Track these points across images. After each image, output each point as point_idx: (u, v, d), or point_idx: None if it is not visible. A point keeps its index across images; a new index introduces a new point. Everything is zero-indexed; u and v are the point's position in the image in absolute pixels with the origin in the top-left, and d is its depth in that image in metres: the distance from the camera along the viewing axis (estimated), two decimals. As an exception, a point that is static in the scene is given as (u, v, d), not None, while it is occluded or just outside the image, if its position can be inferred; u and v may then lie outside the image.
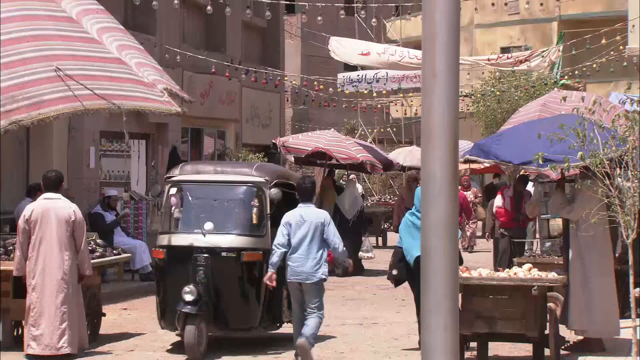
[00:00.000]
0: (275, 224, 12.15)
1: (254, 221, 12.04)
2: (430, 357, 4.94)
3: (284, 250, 11.05)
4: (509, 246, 18.04)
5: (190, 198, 12.29)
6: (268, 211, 12.06)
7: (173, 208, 12.21)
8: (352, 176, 28.99)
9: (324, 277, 11.12)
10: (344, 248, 11.53)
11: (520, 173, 18.64)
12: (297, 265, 11.08)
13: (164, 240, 12.22)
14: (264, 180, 12.21)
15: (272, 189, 12.10)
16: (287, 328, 12.52)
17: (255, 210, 12.03)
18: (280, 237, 11.12)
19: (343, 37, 28.49)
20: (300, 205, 11.42)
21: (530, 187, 19.69)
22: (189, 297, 11.41)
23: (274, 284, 11.17)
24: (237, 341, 12.66)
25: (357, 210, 21.80)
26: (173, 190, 12.26)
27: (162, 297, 12.10)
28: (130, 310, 15.46)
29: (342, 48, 25.86)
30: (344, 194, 22.32)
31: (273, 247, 11.19)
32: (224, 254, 11.81)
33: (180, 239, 12.08)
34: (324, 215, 11.40)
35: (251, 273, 11.92)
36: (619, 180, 9.34)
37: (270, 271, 11.09)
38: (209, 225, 11.89)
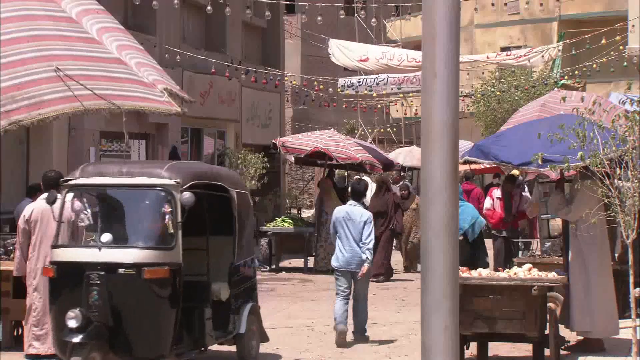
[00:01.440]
0: (201, 232, 11.08)
1: (161, 232, 10.09)
2: (430, 357, 4.93)
3: (335, 239, 12.95)
4: (502, 246, 17.95)
5: (87, 205, 10.59)
6: (179, 219, 10.02)
7: (71, 217, 10.63)
8: (356, 177, 29.07)
9: (370, 264, 12.74)
10: (371, 250, 12.78)
11: (509, 173, 18.52)
12: (347, 256, 12.72)
13: (55, 255, 10.37)
14: (173, 183, 10.12)
15: (185, 193, 10.02)
16: (216, 347, 11.39)
17: (162, 218, 10.03)
18: (331, 230, 13.11)
19: (342, 40, 28.55)
20: (349, 202, 13.26)
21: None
22: (73, 324, 9.72)
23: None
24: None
25: None
26: (69, 196, 10.53)
27: (53, 324, 10.29)
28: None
29: (341, 53, 25.95)
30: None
31: (332, 236, 13.18)
32: (122, 270, 9.86)
33: (71, 254, 10.27)
34: (367, 215, 12.90)
35: (157, 292, 9.95)
36: (617, 182, 9.32)
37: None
38: (106, 238, 10.04)
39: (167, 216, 9.92)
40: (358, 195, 13.38)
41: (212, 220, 11.37)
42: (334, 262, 12.94)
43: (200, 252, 11.03)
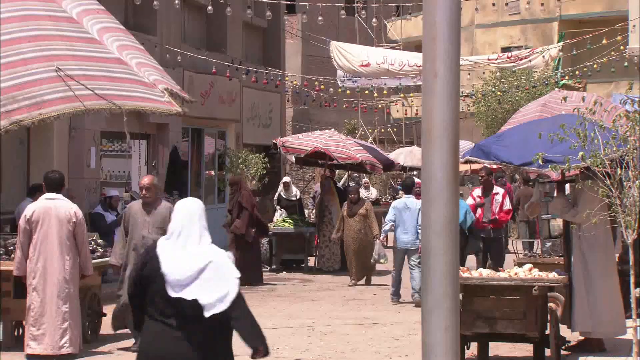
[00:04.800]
0: None
1: None
2: (430, 357, 4.93)
3: (392, 224, 16.46)
4: (481, 247, 17.43)
5: None
6: None
7: None
8: (364, 180, 29.18)
9: (420, 244, 15.32)
10: None
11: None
12: (402, 237, 16.37)
13: None
14: None
15: None
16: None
17: None
18: (390, 215, 16.58)
19: (343, 42, 28.52)
20: (405, 195, 16.99)
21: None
22: None
23: (385, 241, 18.84)
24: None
25: None
26: None
27: None
28: (130, 311, 15.46)
29: (342, 57, 25.99)
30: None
31: (386, 221, 16.71)
32: None
33: None
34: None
35: None
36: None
37: (383, 235, 18.36)
38: None
39: None
40: (409, 188, 17.00)
41: None
42: (397, 243, 16.59)
43: None
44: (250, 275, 18.51)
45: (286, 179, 24.78)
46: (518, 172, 26.38)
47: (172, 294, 6.05)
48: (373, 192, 29.89)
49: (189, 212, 6.22)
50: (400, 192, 22.98)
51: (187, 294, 6.03)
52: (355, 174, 29.51)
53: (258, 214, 19.71)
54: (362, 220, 19.26)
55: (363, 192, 29.32)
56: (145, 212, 12.12)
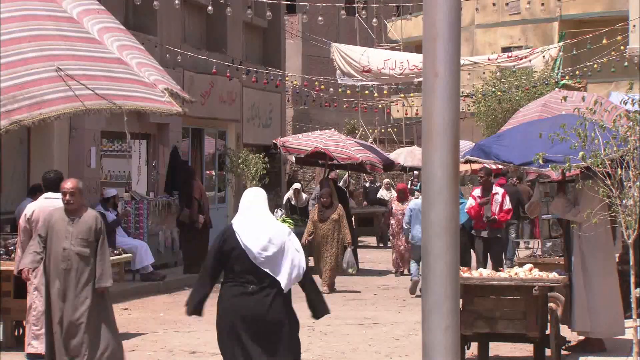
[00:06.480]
0: None
1: None
2: (430, 357, 4.93)
3: (408, 226, 17.99)
4: (481, 247, 17.33)
5: None
6: None
7: None
8: (385, 181, 29.12)
9: None
10: None
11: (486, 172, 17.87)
12: (417, 234, 17.31)
13: None
14: None
15: None
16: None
17: None
18: (406, 217, 18.12)
19: (344, 44, 28.52)
20: (417, 198, 18.82)
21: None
22: None
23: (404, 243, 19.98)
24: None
25: None
26: None
27: None
28: (131, 310, 15.47)
29: (344, 62, 26.06)
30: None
31: (404, 222, 18.35)
32: None
33: None
34: None
35: None
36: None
37: (403, 236, 19.67)
38: None
39: None
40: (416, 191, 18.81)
41: None
42: (410, 239, 18.12)
43: None
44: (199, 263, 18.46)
45: (297, 185, 24.67)
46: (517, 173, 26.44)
47: (249, 263, 7.55)
48: (394, 194, 29.56)
49: (254, 194, 7.86)
50: (417, 192, 23.14)
51: (262, 265, 7.56)
52: (371, 175, 29.53)
53: (207, 201, 20.25)
54: (334, 225, 18.49)
55: (385, 194, 29.15)
56: (69, 220, 10.19)
